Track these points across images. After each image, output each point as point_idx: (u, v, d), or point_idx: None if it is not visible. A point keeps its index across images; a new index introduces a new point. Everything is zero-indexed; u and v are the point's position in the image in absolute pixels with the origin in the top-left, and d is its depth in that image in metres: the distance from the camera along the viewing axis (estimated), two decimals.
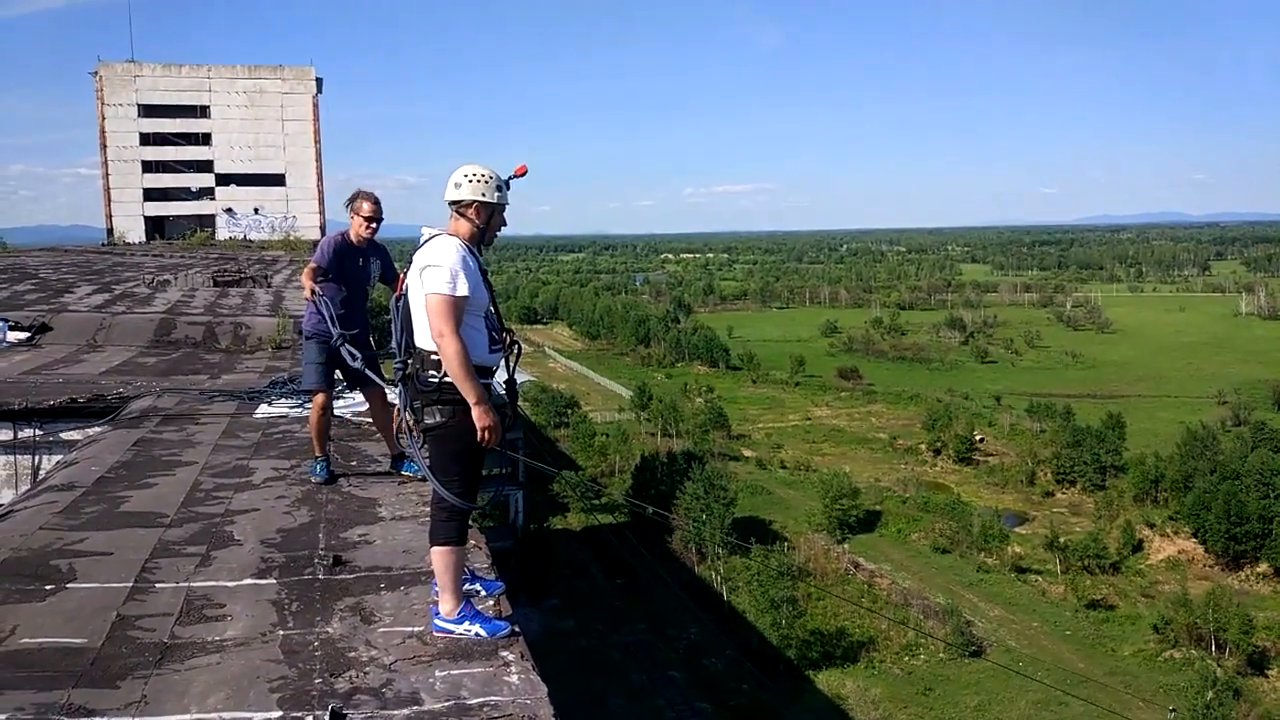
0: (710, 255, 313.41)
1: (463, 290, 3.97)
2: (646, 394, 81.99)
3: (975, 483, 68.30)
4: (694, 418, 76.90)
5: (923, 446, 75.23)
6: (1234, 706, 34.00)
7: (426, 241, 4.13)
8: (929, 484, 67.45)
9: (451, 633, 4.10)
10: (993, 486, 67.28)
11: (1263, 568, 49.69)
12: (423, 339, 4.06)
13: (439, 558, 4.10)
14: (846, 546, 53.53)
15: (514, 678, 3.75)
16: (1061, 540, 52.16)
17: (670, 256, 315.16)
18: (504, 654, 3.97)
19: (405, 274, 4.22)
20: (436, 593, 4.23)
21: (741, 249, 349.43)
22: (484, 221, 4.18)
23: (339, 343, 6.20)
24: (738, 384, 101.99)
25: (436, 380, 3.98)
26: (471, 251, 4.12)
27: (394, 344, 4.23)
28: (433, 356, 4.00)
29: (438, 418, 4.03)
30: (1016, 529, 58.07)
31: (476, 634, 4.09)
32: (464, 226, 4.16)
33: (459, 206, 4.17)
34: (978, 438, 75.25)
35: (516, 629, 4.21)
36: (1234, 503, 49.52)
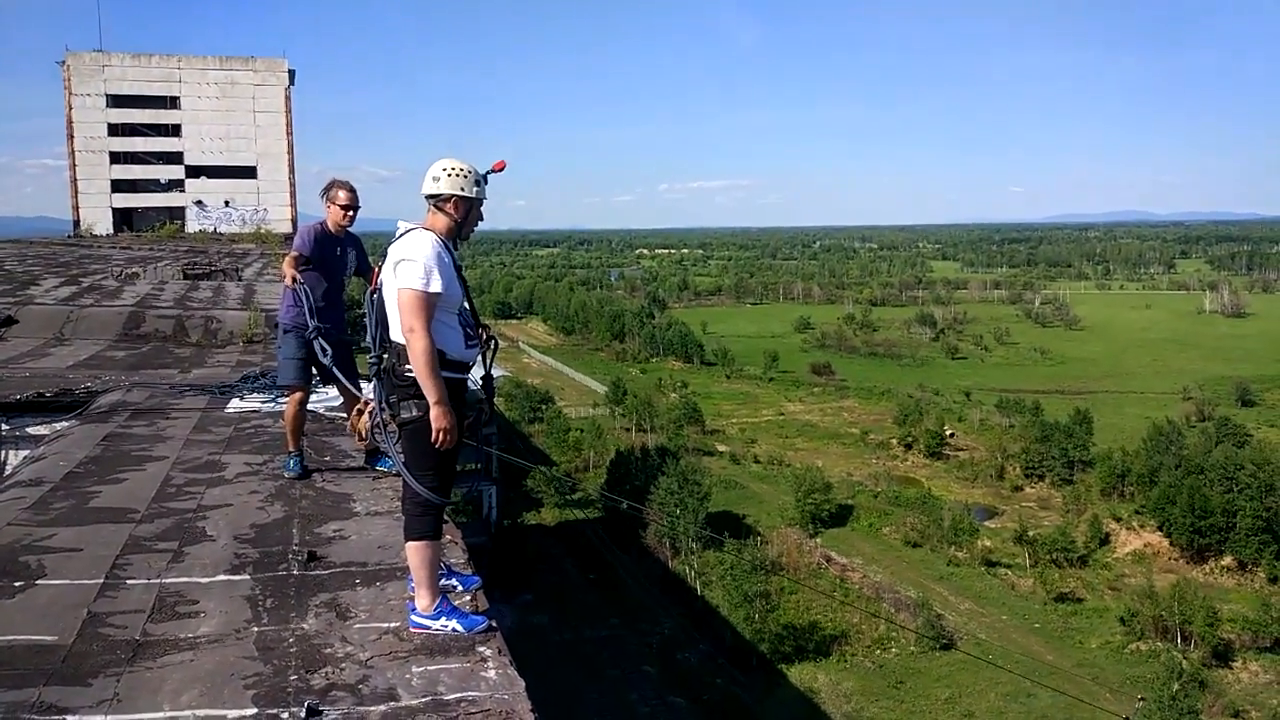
0: (685, 251, 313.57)
1: (436, 286, 3.94)
2: (621, 389, 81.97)
3: (946, 477, 69.02)
4: (668, 413, 77.03)
5: (894, 441, 75.85)
6: (1199, 697, 34.62)
7: (402, 235, 4.10)
8: (900, 478, 68.06)
9: (428, 628, 4.08)
10: (963, 481, 68.02)
11: (1227, 560, 50.62)
12: (397, 333, 4.02)
13: (416, 553, 4.07)
14: (819, 541, 53.88)
15: (491, 673, 3.75)
16: (1030, 534, 52.91)
17: (645, 252, 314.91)
18: (481, 649, 3.96)
19: (380, 268, 4.17)
20: (413, 588, 4.20)
21: (716, 245, 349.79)
22: (462, 216, 4.16)
23: (313, 335, 6.14)
24: (712, 379, 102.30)
25: (413, 375, 3.95)
26: (447, 247, 4.09)
27: (368, 338, 4.20)
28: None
29: (414, 412, 3.99)
30: (986, 523, 58.73)
31: (453, 629, 4.07)
32: (441, 221, 4.13)
33: (437, 201, 4.13)
34: (948, 433, 76.02)
35: (493, 624, 4.19)
36: (1198, 497, 50.40)
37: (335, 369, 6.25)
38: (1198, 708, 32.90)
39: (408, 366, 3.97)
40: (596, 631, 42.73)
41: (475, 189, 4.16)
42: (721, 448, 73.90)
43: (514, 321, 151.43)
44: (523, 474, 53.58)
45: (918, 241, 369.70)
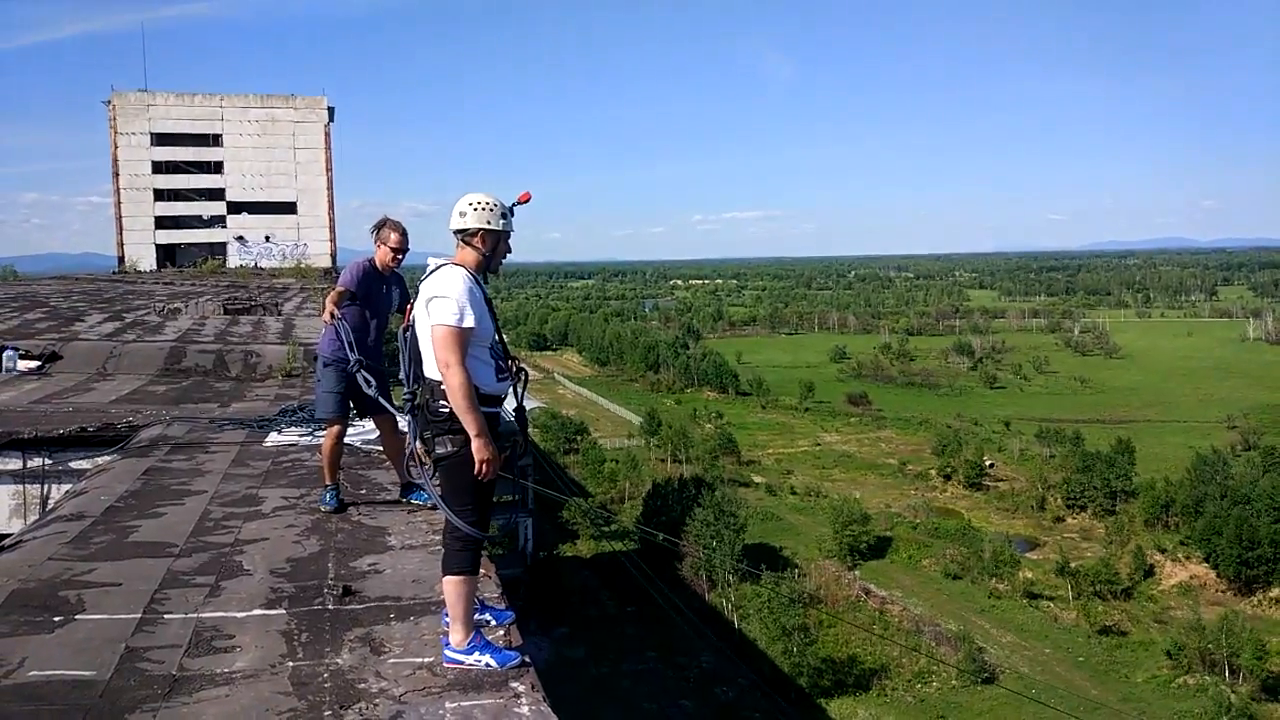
0: (719, 281, 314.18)
1: (469, 322, 3.98)
2: (656, 420, 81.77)
3: (985, 508, 67.81)
4: (703, 443, 76.66)
5: (933, 472, 74.78)
6: None
7: (433, 271, 4.14)
8: (939, 510, 66.97)
9: (462, 663, 4.09)
10: (1003, 512, 66.77)
11: (1275, 592, 49.10)
12: (431, 369, 4.06)
13: (451, 587, 4.09)
14: (857, 573, 53.08)
15: (525, 709, 3.72)
16: (1073, 565, 51.69)
17: (680, 283, 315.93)
18: (514, 685, 3.94)
19: (413, 305, 4.25)
20: (447, 623, 4.21)
21: (750, 275, 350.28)
22: (489, 249, 4.20)
23: (355, 368, 6.19)
24: (747, 410, 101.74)
25: (448, 410, 3.97)
26: (477, 281, 4.13)
27: (402, 374, 4.24)
28: (442, 386, 4.00)
29: (449, 447, 4.02)
30: (1027, 554, 57.53)
31: (487, 664, 4.07)
32: (470, 255, 4.18)
33: (464, 235, 4.18)
34: (988, 463, 74.76)
35: (527, 659, 4.20)
36: (1245, 527, 49.08)
37: (382, 399, 6.29)
38: None
39: (442, 403, 3.99)
40: (633, 665, 42.35)
41: (502, 222, 4.20)
42: (757, 479, 73.31)
43: (549, 353, 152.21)
44: (558, 506, 53.47)
45: (955, 270, 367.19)
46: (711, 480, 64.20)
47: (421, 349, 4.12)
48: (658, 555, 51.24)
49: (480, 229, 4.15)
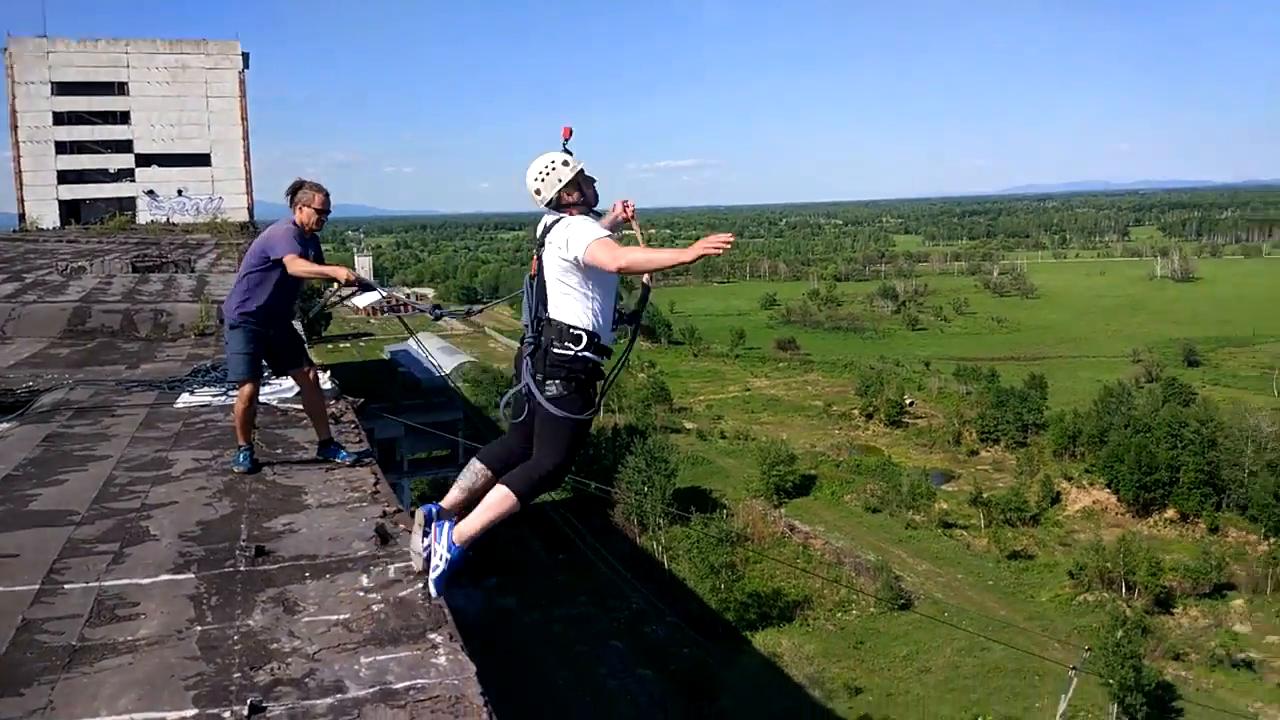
0: (653, 231, 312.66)
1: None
2: None
3: (905, 444, 70.18)
4: (636, 393, 77.09)
5: (856, 412, 76.90)
6: (1142, 643, 35.89)
7: (555, 221, 4.30)
8: (862, 447, 69.13)
9: (442, 556, 4.33)
10: (921, 447, 69.26)
11: (1170, 513, 52.42)
12: (557, 311, 4.23)
13: (506, 506, 4.33)
14: (783, 511, 54.59)
15: (441, 659, 3.73)
16: (985, 496, 54.35)
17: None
18: (432, 636, 3.95)
19: (538, 255, 4.35)
20: (429, 557, 4.39)
21: (684, 224, 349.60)
22: (580, 197, 4.32)
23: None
24: (679, 358, 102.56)
25: (570, 353, 4.19)
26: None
27: (525, 320, 4.37)
28: (571, 330, 4.19)
29: (559, 390, 4.21)
30: (943, 487, 59.96)
31: (446, 559, 4.32)
32: (574, 213, 4.29)
33: (554, 205, 4.33)
34: (908, 402, 77.11)
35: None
36: (1144, 454, 51.90)
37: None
38: (1140, 653, 34.08)
39: (567, 345, 4.19)
40: (565, 610, 43.01)
41: (566, 171, 4.29)
42: (689, 425, 74.30)
43: (480, 307, 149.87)
44: None
45: (881, 216, 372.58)
46: (644, 428, 64.87)
47: (549, 292, 4.25)
48: (590, 504, 51.76)
49: (559, 191, 4.27)
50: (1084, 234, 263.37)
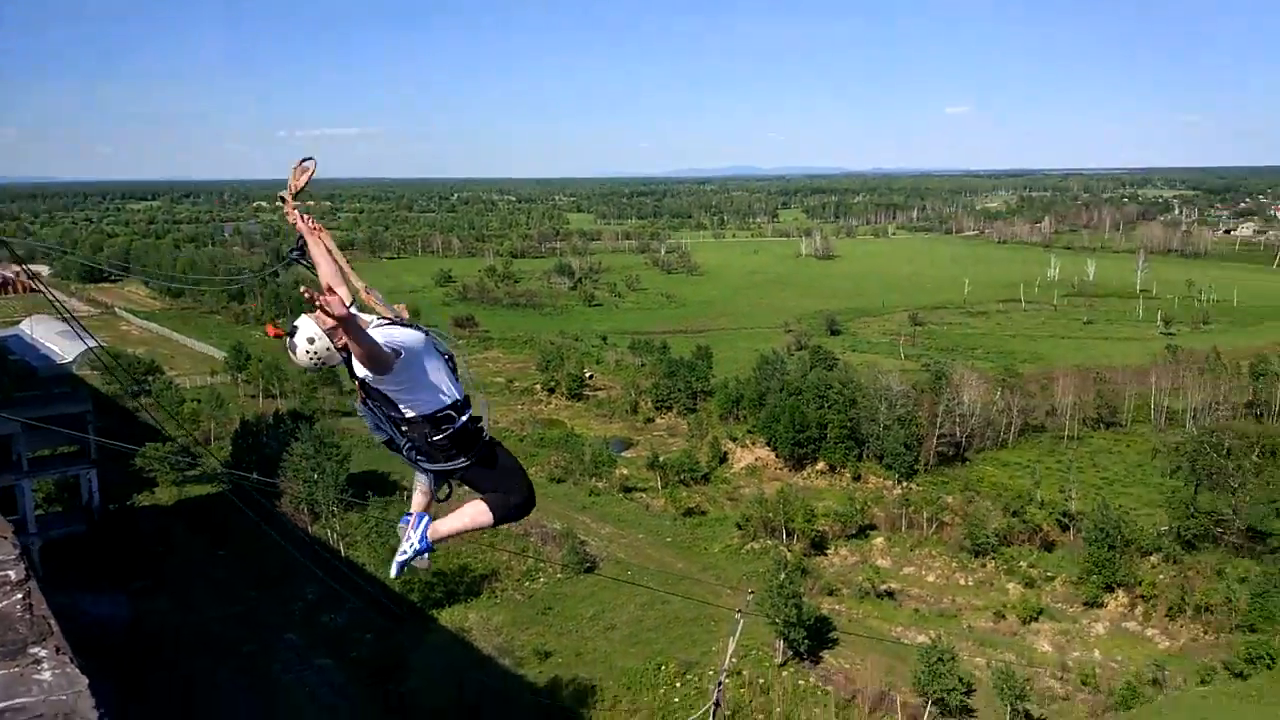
0: (311, 203, 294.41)
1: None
2: (244, 354, 75.45)
3: (587, 416, 72.55)
4: (300, 376, 72.18)
5: (538, 387, 78.15)
6: (801, 582, 39.89)
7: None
8: (545, 420, 70.37)
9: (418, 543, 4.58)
10: (602, 418, 72.01)
11: (820, 465, 58.82)
12: (412, 409, 4.29)
13: (483, 519, 4.56)
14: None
15: (46, 674, 2.97)
16: (661, 459, 57.54)
17: (265, 204, 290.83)
18: (35, 650, 3.14)
19: (357, 382, 4.45)
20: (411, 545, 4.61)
21: (346, 196, 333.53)
22: (341, 339, 4.14)
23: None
24: None
25: (450, 430, 4.31)
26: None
27: (381, 438, 4.45)
28: (437, 415, 4.29)
29: (463, 459, 4.41)
30: (623, 454, 62.77)
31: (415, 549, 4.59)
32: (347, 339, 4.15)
33: (342, 352, 4.24)
34: (587, 375, 79.76)
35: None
36: (797, 414, 57.78)
37: None
38: (800, 592, 37.90)
39: (437, 434, 4.29)
40: (229, 608, 39.60)
41: (300, 350, 4.18)
42: None
43: (107, 285, 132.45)
44: (129, 454, 47.31)
45: (554, 194, 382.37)
46: (310, 413, 61.27)
47: (393, 400, 4.28)
48: (255, 494, 47.69)
49: (329, 350, 4.18)
50: (739, 215, 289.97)
